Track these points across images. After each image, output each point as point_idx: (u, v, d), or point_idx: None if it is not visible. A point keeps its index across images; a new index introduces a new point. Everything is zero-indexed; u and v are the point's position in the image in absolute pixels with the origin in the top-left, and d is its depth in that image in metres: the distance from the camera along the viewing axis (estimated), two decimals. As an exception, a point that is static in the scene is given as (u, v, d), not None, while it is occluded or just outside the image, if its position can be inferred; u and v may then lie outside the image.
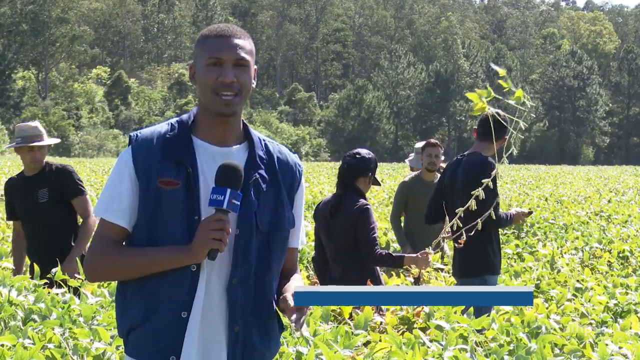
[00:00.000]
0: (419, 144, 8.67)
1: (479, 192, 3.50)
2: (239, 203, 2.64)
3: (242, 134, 2.82)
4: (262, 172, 2.77)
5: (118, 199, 2.70)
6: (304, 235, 2.97)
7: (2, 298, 4.76)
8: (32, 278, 5.59)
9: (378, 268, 5.98)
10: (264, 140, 2.84)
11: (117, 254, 2.69)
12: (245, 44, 2.76)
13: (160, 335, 2.67)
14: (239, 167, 2.66)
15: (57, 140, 7.08)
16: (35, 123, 6.61)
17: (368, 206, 5.81)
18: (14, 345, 4.05)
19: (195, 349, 2.67)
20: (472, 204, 3.17)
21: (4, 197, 6.95)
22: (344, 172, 5.91)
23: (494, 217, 5.84)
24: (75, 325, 4.38)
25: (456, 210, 3.93)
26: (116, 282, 2.81)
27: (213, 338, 2.70)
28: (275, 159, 2.82)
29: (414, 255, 5.78)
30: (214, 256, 2.63)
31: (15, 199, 6.60)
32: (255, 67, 2.80)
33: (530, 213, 6.13)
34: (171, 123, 2.78)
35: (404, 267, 5.83)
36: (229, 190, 2.62)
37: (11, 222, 6.99)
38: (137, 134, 2.75)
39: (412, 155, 9.13)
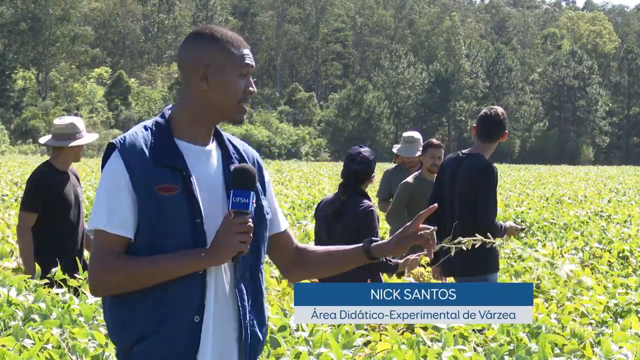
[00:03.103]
0: (408, 133, 8.64)
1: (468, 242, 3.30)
2: (256, 205, 2.69)
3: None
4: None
5: (119, 209, 2.67)
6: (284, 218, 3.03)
7: (2, 298, 4.76)
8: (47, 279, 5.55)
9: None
10: (226, 136, 2.89)
11: (128, 266, 2.65)
12: None
13: (175, 342, 2.66)
14: (254, 170, 2.71)
15: (96, 136, 6.56)
16: (72, 119, 6.31)
17: (372, 208, 5.83)
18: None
19: (210, 351, 2.68)
20: (467, 243, 3.12)
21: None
22: (351, 178, 5.89)
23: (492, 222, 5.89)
24: (76, 325, 4.37)
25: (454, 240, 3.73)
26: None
27: (225, 337, 2.72)
28: (243, 153, 2.87)
29: (404, 260, 5.87)
30: (239, 259, 2.66)
31: (55, 193, 6.20)
32: None
33: (523, 229, 6.16)
34: (149, 127, 2.77)
35: (399, 271, 5.90)
36: (252, 193, 2.65)
37: (23, 215, 6.24)
38: (120, 141, 2.72)
39: (397, 146, 8.79)
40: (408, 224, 2.84)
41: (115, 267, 2.65)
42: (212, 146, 2.81)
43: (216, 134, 2.85)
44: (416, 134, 8.58)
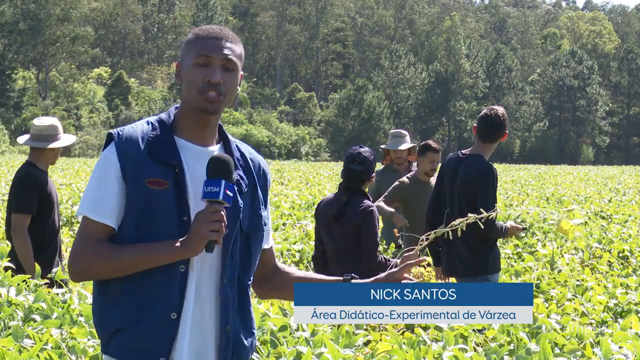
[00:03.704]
0: (395, 129, 8.75)
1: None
2: (232, 195, 2.66)
3: (218, 134, 2.85)
4: (241, 172, 2.81)
5: (105, 198, 2.68)
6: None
7: (2, 298, 4.75)
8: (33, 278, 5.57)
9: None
10: (234, 141, 2.87)
11: (108, 252, 2.66)
12: (235, 48, 2.79)
13: (149, 336, 2.66)
14: (230, 159, 2.69)
15: (74, 138, 6.48)
16: (52, 120, 6.28)
17: (372, 208, 5.82)
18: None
19: (186, 350, 2.68)
20: (470, 218, 3.17)
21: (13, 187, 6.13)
22: (352, 179, 5.87)
23: (490, 222, 5.89)
24: (76, 325, 4.37)
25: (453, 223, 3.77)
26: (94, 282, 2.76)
27: (203, 339, 2.71)
28: (249, 160, 2.85)
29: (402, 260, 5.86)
30: (212, 248, 2.63)
31: (46, 193, 6.14)
32: (242, 73, 2.82)
33: (524, 229, 6.16)
34: (152, 122, 2.78)
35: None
36: (223, 182, 2.62)
37: (19, 218, 6.14)
38: (118, 132, 2.74)
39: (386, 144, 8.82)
40: (394, 270, 2.90)
41: (95, 254, 2.66)
42: (216, 148, 2.80)
43: (223, 137, 2.84)
44: (403, 131, 8.74)
